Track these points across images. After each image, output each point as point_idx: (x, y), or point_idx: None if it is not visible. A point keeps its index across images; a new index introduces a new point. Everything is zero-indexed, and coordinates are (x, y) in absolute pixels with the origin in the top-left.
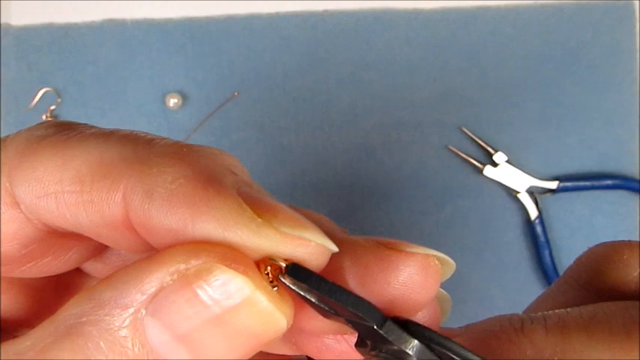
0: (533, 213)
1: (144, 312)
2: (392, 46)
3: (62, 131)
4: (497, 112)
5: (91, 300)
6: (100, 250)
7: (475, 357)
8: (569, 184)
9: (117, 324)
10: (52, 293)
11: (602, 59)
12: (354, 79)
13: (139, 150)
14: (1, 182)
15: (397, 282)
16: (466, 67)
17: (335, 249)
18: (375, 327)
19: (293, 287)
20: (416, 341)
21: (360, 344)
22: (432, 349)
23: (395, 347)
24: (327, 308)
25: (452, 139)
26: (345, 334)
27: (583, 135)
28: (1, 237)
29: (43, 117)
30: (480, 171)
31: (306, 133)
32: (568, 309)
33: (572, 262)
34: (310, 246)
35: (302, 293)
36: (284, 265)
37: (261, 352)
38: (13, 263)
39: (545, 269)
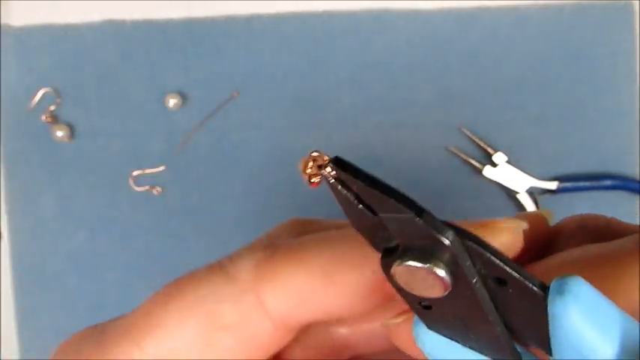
0: None
1: None
2: (392, 46)
3: (296, 235)
4: (497, 112)
5: None
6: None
7: (513, 266)
8: (569, 184)
9: None
10: None
11: (602, 59)
12: (353, 80)
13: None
14: (247, 298)
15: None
16: (466, 67)
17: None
18: (416, 215)
19: (335, 179)
20: (452, 231)
21: (386, 256)
22: (466, 247)
23: (428, 243)
24: (364, 205)
25: (451, 139)
26: None
27: (583, 135)
28: (254, 346)
29: (43, 117)
30: (480, 171)
31: (305, 133)
32: None
33: None
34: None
35: (345, 184)
36: (326, 158)
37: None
38: None
39: None
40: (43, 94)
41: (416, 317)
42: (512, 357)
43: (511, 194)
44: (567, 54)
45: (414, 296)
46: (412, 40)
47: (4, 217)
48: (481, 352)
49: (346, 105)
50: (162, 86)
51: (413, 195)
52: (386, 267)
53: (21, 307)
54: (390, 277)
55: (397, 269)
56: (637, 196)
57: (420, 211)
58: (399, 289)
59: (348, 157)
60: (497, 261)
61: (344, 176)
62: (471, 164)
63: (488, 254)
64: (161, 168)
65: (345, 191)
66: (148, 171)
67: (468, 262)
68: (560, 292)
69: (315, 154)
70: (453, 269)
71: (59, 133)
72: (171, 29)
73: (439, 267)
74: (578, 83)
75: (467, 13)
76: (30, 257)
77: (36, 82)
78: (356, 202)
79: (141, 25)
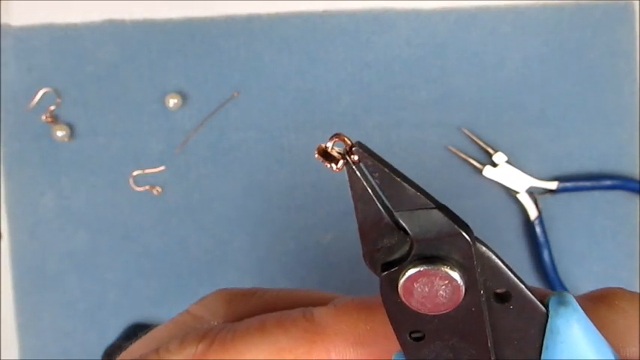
0: (532, 213)
1: None
2: (392, 46)
3: (226, 315)
4: (497, 112)
5: None
6: None
7: (519, 277)
8: (568, 184)
9: None
10: None
11: (602, 59)
12: (353, 80)
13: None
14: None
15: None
16: (466, 67)
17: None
18: (437, 208)
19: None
20: (469, 228)
21: (388, 269)
22: (475, 244)
23: (445, 239)
24: (382, 196)
25: (452, 139)
26: None
27: (583, 135)
28: None
29: (43, 117)
30: (480, 171)
31: (305, 133)
32: None
33: (571, 262)
34: None
35: (370, 168)
36: (350, 142)
37: None
38: None
39: (544, 269)
40: (43, 94)
41: (398, 353)
42: None
43: (511, 194)
44: (567, 54)
45: (414, 318)
46: (412, 40)
47: (4, 217)
48: None
49: (346, 105)
50: (162, 86)
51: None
52: (389, 281)
53: (21, 307)
54: (393, 296)
55: (407, 279)
56: (637, 196)
57: (441, 205)
58: (398, 312)
59: None
60: (507, 270)
61: (369, 162)
62: (471, 164)
63: (499, 261)
64: (161, 168)
65: (364, 180)
66: (148, 171)
67: (479, 269)
68: (563, 302)
69: (336, 137)
70: (464, 278)
71: (59, 133)
72: (171, 29)
73: (455, 271)
74: (578, 83)
75: (467, 13)
76: (30, 257)
77: (36, 81)
78: (373, 194)
79: (141, 25)
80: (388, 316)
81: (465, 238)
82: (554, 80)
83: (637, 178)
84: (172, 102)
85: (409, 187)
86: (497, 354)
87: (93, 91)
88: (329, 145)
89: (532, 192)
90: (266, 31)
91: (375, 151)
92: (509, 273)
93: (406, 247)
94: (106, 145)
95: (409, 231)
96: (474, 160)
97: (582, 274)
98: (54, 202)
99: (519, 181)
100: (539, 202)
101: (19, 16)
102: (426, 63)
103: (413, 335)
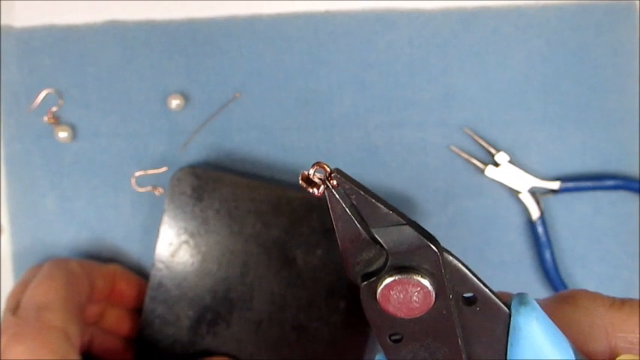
0: (534, 213)
1: None
2: (394, 46)
3: None
4: (499, 112)
5: None
6: None
7: (484, 282)
8: (571, 184)
9: None
10: None
11: (604, 60)
12: (355, 80)
13: None
14: None
15: None
16: (468, 67)
17: None
18: (408, 224)
19: (335, 189)
20: (437, 241)
21: (367, 279)
22: (443, 255)
23: (416, 252)
24: (359, 215)
25: (454, 139)
26: None
27: (585, 135)
28: None
29: (45, 118)
30: (482, 171)
31: (307, 133)
32: None
33: (573, 262)
34: None
35: (344, 193)
36: (329, 169)
37: None
38: None
39: (546, 269)
40: (45, 95)
41: (380, 354)
42: None
43: (513, 194)
44: (569, 54)
45: (392, 322)
46: (414, 40)
47: (6, 218)
48: None
49: (348, 105)
50: (164, 87)
51: (415, 195)
52: (369, 290)
53: None
54: (373, 303)
55: (384, 287)
56: (638, 197)
57: (411, 221)
58: (378, 318)
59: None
60: (472, 276)
61: (346, 186)
62: (473, 164)
63: (465, 269)
64: (163, 169)
65: (343, 202)
66: (150, 172)
67: (448, 276)
68: (523, 302)
69: (317, 165)
70: (434, 285)
71: (61, 134)
72: (173, 30)
73: (425, 279)
74: (580, 83)
75: (469, 13)
76: (32, 258)
77: (38, 83)
78: (351, 214)
79: (143, 26)
80: (369, 322)
81: (433, 249)
82: (556, 80)
83: (638, 178)
84: (174, 103)
85: (382, 207)
86: (468, 352)
87: (95, 92)
88: (311, 172)
89: (534, 192)
90: (268, 32)
91: (376, 151)
92: (474, 279)
93: (382, 260)
94: (108, 146)
95: (384, 245)
96: (476, 159)
97: (584, 273)
98: (56, 203)
99: (521, 181)
100: (541, 201)
101: (20, 18)
102: (428, 63)
103: (392, 338)
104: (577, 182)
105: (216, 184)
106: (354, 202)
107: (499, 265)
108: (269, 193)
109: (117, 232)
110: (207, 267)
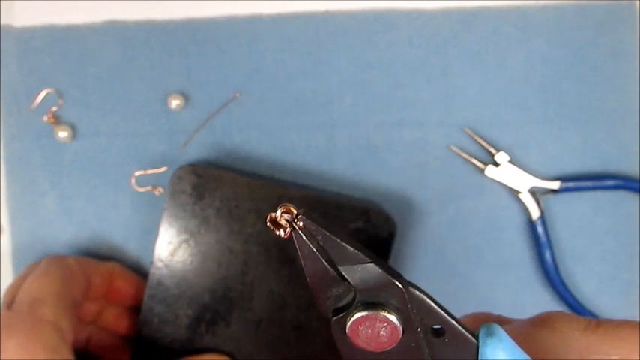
0: (534, 213)
1: None
2: (394, 46)
3: None
4: (499, 112)
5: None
6: None
7: (451, 314)
8: (571, 184)
9: None
10: None
11: (604, 60)
12: (356, 80)
13: None
14: None
15: None
16: (468, 67)
17: None
18: (373, 262)
19: (303, 230)
20: (403, 278)
21: (338, 313)
22: (412, 295)
23: (382, 289)
24: (326, 255)
25: (454, 139)
26: None
27: (585, 135)
28: None
29: (45, 118)
30: (482, 171)
31: (308, 133)
32: None
33: (573, 262)
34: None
35: (311, 233)
36: (295, 211)
37: None
38: None
39: (546, 269)
40: (45, 95)
41: None
42: None
43: (513, 194)
44: (569, 54)
45: (363, 355)
46: (414, 40)
47: (6, 218)
48: None
49: (348, 105)
50: (164, 87)
51: (415, 194)
52: (339, 325)
53: None
54: (343, 337)
55: (353, 322)
56: (638, 197)
57: (377, 259)
58: (349, 351)
59: (350, 156)
60: (438, 309)
61: (312, 227)
62: (473, 164)
63: (431, 302)
64: (163, 169)
65: (310, 242)
66: (150, 172)
67: (415, 310)
68: (490, 334)
69: (283, 207)
70: (401, 320)
71: (61, 134)
72: (173, 30)
73: (392, 314)
74: (580, 83)
75: (469, 13)
76: (32, 257)
77: (38, 82)
78: (318, 253)
79: (143, 26)
80: (341, 354)
81: (398, 286)
82: (556, 80)
83: (638, 178)
84: (175, 103)
85: (348, 246)
86: None
87: (95, 91)
88: (278, 214)
89: (534, 192)
90: (268, 32)
91: (376, 150)
92: (441, 311)
93: (352, 295)
94: (108, 145)
95: (352, 282)
96: (476, 159)
97: (584, 274)
98: (56, 203)
99: (521, 181)
100: (541, 201)
101: (20, 17)
102: (428, 63)
103: None
104: (577, 182)
105: (216, 182)
106: (321, 243)
107: (499, 265)
108: (269, 192)
109: (116, 232)
110: (207, 266)
